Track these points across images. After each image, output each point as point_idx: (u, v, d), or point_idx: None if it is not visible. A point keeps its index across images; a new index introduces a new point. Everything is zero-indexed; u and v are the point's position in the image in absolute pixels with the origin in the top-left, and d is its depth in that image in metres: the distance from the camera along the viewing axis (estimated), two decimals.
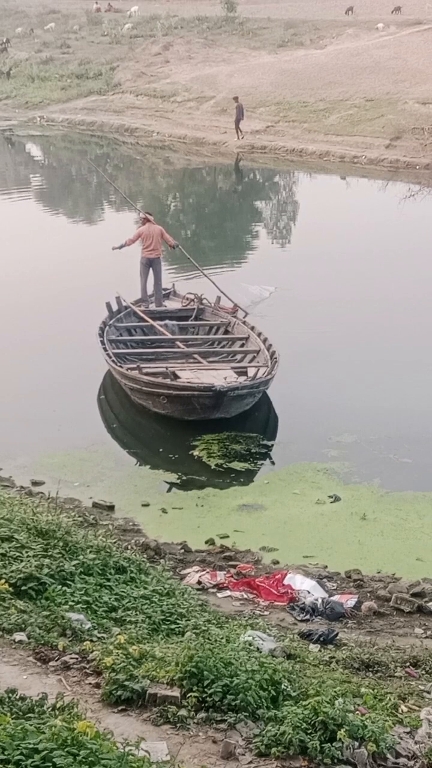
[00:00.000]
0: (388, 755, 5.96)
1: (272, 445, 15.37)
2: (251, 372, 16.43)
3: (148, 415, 16.23)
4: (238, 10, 63.25)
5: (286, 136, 42.53)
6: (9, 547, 8.37)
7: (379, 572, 11.58)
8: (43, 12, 73.39)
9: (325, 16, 61.80)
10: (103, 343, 17.56)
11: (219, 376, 16.20)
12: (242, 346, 18.34)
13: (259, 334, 18.16)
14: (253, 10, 65.01)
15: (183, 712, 5.99)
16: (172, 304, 20.41)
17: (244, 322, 19.07)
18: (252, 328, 18.58)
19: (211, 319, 19.84)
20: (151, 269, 20.07)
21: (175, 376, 15.97)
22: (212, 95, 46.88)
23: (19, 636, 6.93)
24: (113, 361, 16.82)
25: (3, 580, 7.64)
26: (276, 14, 63.49)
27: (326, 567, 11.67)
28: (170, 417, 15.82)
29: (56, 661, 6.66)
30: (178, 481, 14.26)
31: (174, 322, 19.32)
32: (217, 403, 15.28)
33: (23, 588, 7.78)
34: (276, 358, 16.74)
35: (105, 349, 17.29)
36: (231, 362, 17.62)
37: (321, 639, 9.29)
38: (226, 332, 19.26)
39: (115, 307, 19.27)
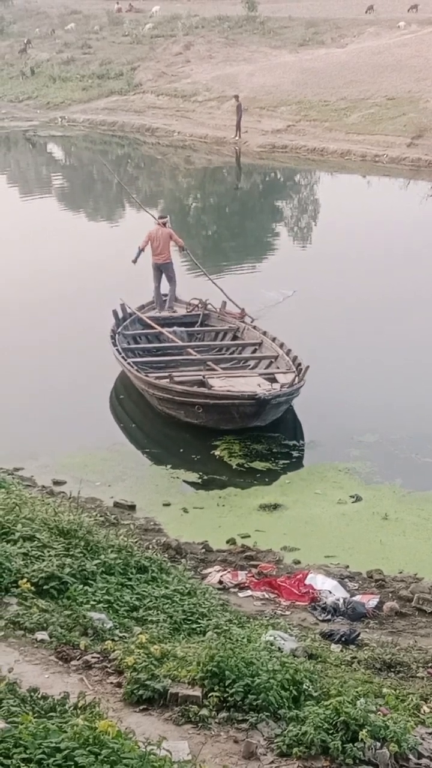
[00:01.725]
0: (410, 756, 5.94)
1: (294, 445, 15.33)
2: (283, 378, 16.11)
3: (170, 416, 16.14)
4: (258, 10, 63.20)
5: (307, 135, 42.46)
6: (31, 547, 8.39)
7: (400, 572, 11.54)
8: (65, 12, 73.60)
9: (346, 15, 61.62)
10: (120, 352, 17.24)
11: (252, 384, 15.86)
12: (254, 351, 18.01)
13: (273, 339, 17.86)
14: (273, 9, 64.94)
15: (204, 711, 5.99)
16: (170, 311, 19.93)
17: (254, 327, 18.69)
18: (264, 333, 18.25)
19: (218, 324, 19.47)
20: (163, 274, 19.74)
21: (210, 385, 15.71)
22: (233, 95, 46.79)
23: (41, 635, 6.96)
24: (137, 370, 16.50)
25: (25, 580, 7.66)
26: (297, 13, 63.40)
27: (348, 567, 11.64)
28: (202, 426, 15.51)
29: (78, 660, 6.68)
30: (199, 481, 14.27)
31: (182, 329, 18.96)
32: (258, 411, 15.08)
33: (45, 587, 7.80)
34: (300, 362, 16.49)
35: (124, 358, 16.98)
36: (245, 368, 17.29)
37: (342, 639, 9.28)
38: (235, 338, 18.84)
39: (120, 314, 18.95)
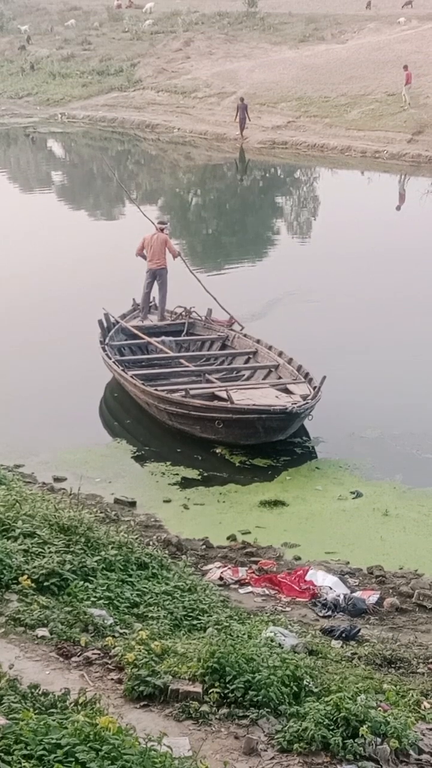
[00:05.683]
0: (411, 752, 5.95)
1: (295, 442, 15.29)
2: (296, 389, 15.54)
3: (182, 431, 15.64)
4: (258, 6, 63.13)
5: (307, 131, 42.41)
6: (31, 543, 8.40)
7: (401, 568, 11.54)
8: (64, 9, 73.46)
9: (346, 11, 61.50)
10: (118, 365, 16.69)
11: (270, 396, 15.29)
12: (247, 361, 17.41)
13: (270, 347, 17.26)
14: (274, 5, 64.84)
15: (205, 707, 6.00)
16: (156, 319, 19.24)
17: (245, 335, 18.06)
18: (258, 341, 17.62)
19: (204, 333, 18.74)
20: (155, 281, 19.04)
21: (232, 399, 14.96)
22: (233, 91, 46.74)
23: (42, 632, 6.96)
24: (142, 383, 15.81)
25: (26, 576, 7.67)
26: (297, 9, 63.25)
27: (348, 563, 11.64)
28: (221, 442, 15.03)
29: (78, 656, 6.69)
30: (200, 478, 14.26)
31: (171, 339, 18.23)
32: (286, 425, 14.72)
33: (46, 584, 7.81)
34: (308, 371, 16.01)
35: (124, 371, 16.39)
36: (239, 378, 16.78)
37: (343, 635, 9.28)
38: (224, 347, 18.13)
39: (105, 324, 18.16)
